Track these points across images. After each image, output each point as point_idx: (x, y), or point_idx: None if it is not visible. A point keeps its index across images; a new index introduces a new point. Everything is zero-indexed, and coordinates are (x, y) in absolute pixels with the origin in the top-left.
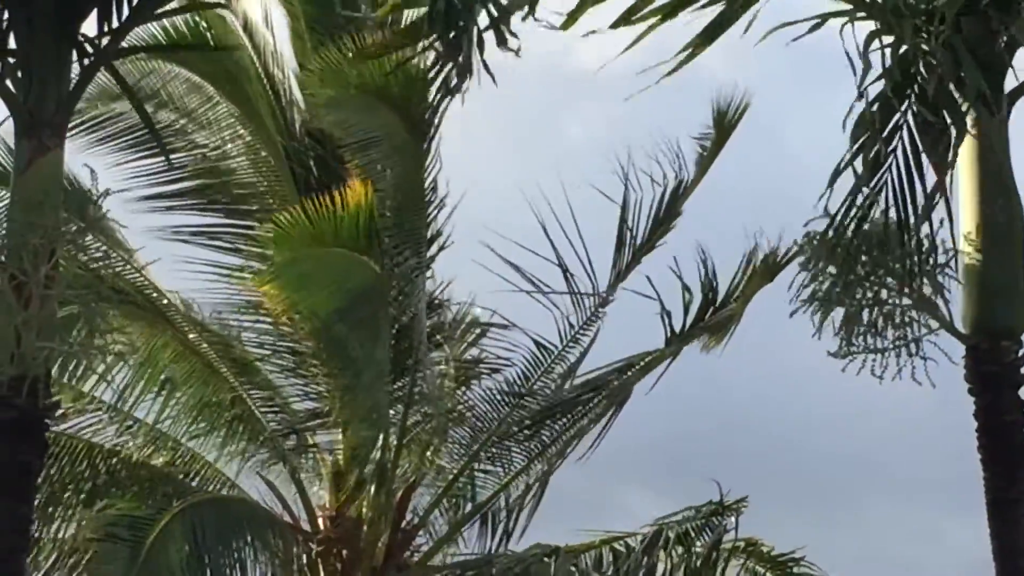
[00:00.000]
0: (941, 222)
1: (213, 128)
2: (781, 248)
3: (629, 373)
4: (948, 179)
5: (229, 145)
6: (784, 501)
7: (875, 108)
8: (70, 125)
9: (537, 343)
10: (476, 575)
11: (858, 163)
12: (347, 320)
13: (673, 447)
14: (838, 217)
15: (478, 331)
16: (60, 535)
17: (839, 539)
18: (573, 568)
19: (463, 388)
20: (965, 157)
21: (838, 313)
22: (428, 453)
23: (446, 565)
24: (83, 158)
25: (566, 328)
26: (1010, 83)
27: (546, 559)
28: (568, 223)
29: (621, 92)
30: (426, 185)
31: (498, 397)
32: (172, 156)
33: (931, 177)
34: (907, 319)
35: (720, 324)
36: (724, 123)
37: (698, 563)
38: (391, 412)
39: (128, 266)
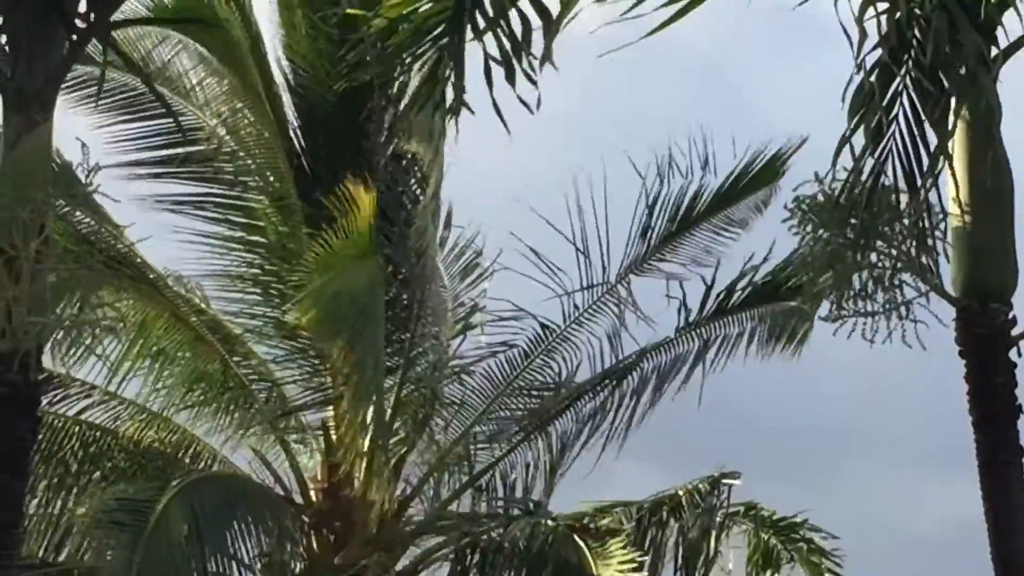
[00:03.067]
0: (931, 184)
1: (201, 97)
2: None
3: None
4: (948, 143)
5: (210, 118)
6: (762, 465)
7: (873, 77)
8: None
9: (542, 324)
10: (469, 546)
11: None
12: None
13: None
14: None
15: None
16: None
17: (818, 503)
18: (551, 521)
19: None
20: (954, 119)
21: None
22: (420, 416)
23: (438, 532)
24: (66, 120)
25: (571, 309)
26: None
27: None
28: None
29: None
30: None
31: (499, 380)
32: (159, 123)
33: (933, 141)
34: (897, 282)
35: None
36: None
37: (693, 535)
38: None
39: (118, 240)
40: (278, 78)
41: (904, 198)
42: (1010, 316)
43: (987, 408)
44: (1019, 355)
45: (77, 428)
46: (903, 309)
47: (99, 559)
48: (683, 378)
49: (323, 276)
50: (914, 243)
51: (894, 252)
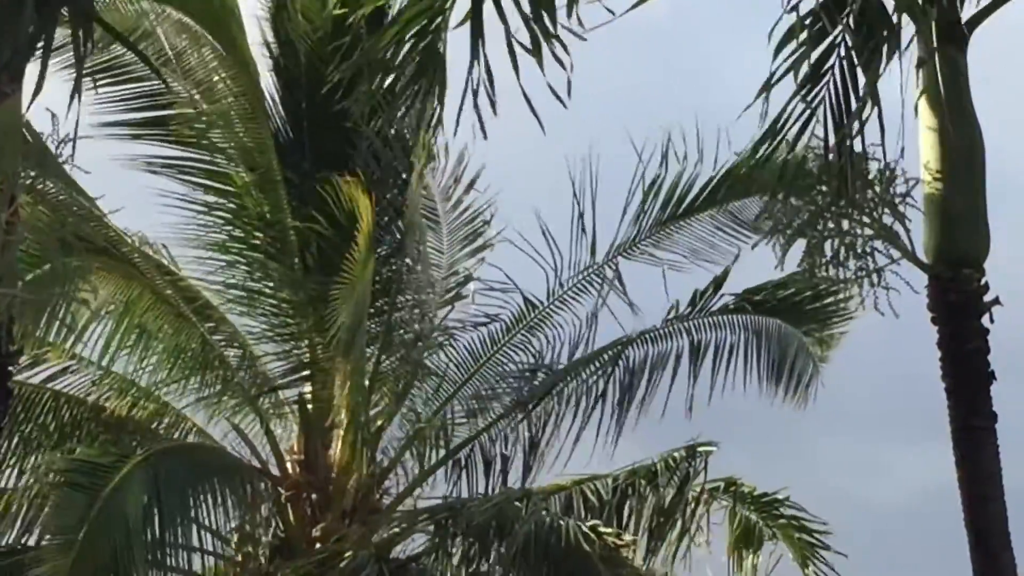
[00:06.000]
0: (902, 151)
1: (182, 65)
2: None
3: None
4: (876, 88)
5: (191, 85)
6: (725, 432)
7: (807, 22)
8: None
9: (526, 299)
10: (447, 518)
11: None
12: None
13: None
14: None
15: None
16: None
17: (785, 472)
18: (545, 512)
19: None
20: (925, 86)
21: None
22: (400, 388)
23: (417, 509)
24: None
25: (555, 286)
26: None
27: (517, 503)
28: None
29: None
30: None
31: (481, 355)
32: (139, 86)
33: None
34: (869, 249)
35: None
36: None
37: (666, 504)
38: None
39: (91, 213)
40: (259, 46)
41: (874, 165)
42: (982, 282)
43: (960, 374)
44: (991, 321)
45: (50, 398)
46: (875, 276)
47: (51, 518)
48: (670, 373)
49: (346, 299)
50: (886, 210)
51: (866, 219)
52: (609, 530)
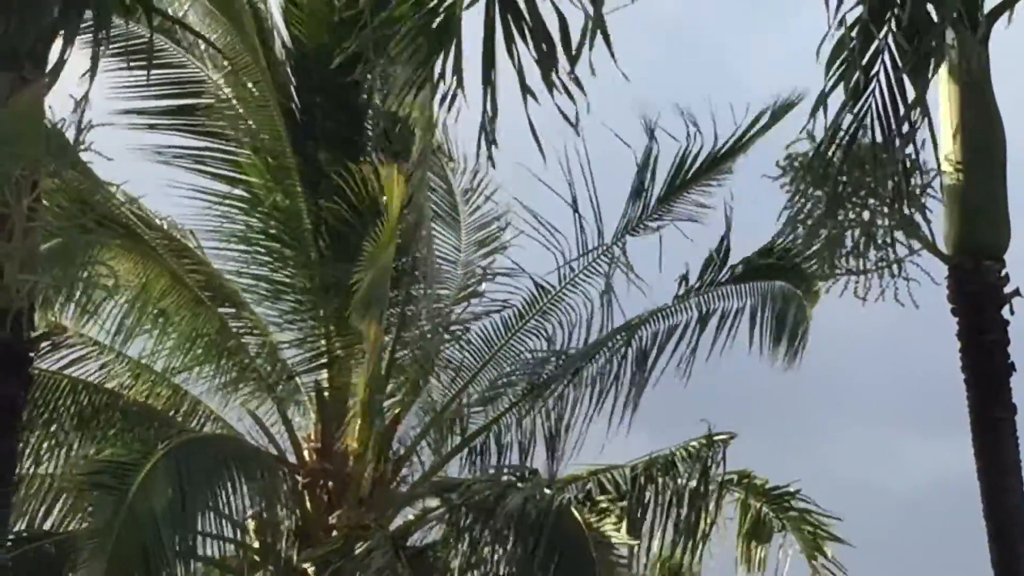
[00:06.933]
0: (923, 143)
1: (200, 51)
2: None
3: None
4: (926, 98)
5: (212, 72)
6: (736, 419)
7: (854, 33)
8: None
9: (537, 284)
10: (458, 496)
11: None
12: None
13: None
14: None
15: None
16: (46, 471)
17: (794, 460)
18: (548, 490)
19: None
20: (945, 77)
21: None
22: (419, 378)
23: (425, 487)
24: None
25: (567, 271)
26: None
27: (520, 484)
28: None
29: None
30: None
31: (495, 341)
32: (160, 72)
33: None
34: (889, 240)
35: None
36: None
37: (687, 494)
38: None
39: (112, 197)
40: (276, 35)
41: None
42: (1003, 273)
43: (980, 366)
44: (1012, 312)
45: (69, 384)
46: (895, 267)
47: (83, 520)
48: (687, 347)
49: (367, 268)
50: (906, 200)
51: (886, 210)
52: (602, 496)
